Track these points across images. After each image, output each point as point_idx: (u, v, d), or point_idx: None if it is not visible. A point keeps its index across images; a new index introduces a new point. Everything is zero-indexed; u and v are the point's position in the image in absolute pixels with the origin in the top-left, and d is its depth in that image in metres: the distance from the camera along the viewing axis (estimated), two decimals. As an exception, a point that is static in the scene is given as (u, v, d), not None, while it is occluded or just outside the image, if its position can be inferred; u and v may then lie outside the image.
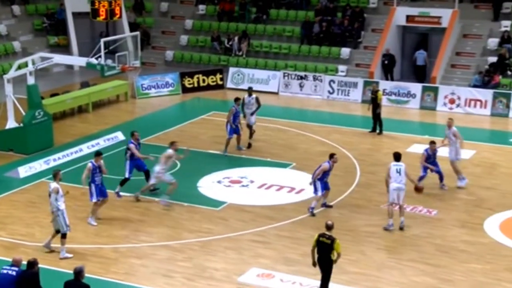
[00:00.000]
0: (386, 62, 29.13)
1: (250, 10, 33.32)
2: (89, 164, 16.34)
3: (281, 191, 18.55)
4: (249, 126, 21.69)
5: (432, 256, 15.08)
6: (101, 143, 21.97)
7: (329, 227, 13.15)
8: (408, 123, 24.69)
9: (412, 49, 30.62)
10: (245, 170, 19.98)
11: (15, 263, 12.31)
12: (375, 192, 18.56)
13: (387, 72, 29.31)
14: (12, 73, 21.81)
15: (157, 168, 17.48)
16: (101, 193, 16.41)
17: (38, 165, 19.97)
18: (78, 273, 11.77)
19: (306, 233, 16.12)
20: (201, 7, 34.31)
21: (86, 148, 21.45)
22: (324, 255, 13.03)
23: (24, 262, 12.29)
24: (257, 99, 21.77)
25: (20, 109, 21.77)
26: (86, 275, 11.90)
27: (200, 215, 17.11)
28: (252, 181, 19.26)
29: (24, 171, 19.53)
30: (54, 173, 15.23)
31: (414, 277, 14.16)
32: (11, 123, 21.85)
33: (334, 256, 13.00)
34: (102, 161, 16.51)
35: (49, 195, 14.91)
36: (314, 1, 33.04)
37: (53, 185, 14.94)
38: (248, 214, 17.17)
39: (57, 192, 14.77)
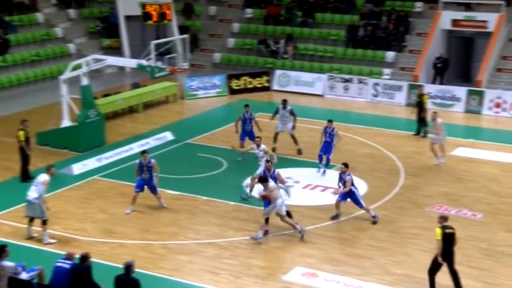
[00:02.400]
0: (439, 65, 29.10)
1: (296, 14, 33.58)
2: (137, 161, 17.38)
3: (326, 191, 18.77)
4: (291, 135, 21.59)
5: (476, 260, 15.08)
6: (151, 142, 22.44)
7: (447, 218, 13.57)
8: (452, 126, 24.60)
9: (457, 54, 30.51)
10: (291, 171, 20.20)
11: (69, 257, 12.81)
12: (419, 195, 18.66)
13: (438, 74, 29.28)
14: (67, 74, 22.39)
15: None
16: (143, 188, 17.23)
17: (91, 163, 20.47)
18: (128, 267, 12.12)
19: (351, 234, 16.33)
20: (248, 10, 34.72)
21: (136, 147, 21.85)
22: (450, 247, 13.36)
23: (77, 256, 12.80)
24: (291, 112, 21.51)
25: (75, 108, 22.41)
26: (136, 269, 12.28)
27: (246, 214, 17.37)
28: (297, 182, 19.51)
29: (77, 168, 20.06)
30: (48, 167, 16.11)
31: (458, 280, 14.28)
32: (66, 122, 22.49)
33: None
34: (153, 160, 17.23)
35: (35, 184, 15.64)
36: (359, 5, 33.15)
37: (45, 177, 15.71)
38: (293, 214, 17.37)
39: (47, 185, 15.65)
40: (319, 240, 16.10)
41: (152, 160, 17.31)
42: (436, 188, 19.26)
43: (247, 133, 21.18)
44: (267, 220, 16.00)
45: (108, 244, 15.70)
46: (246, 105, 21.53)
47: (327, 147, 19.98)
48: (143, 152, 17.55)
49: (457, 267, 14.61)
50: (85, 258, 12.61)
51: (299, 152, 21.53)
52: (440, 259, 13.41)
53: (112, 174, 19.92)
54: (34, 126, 21.97)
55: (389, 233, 16.40)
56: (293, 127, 21.57)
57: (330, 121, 20.20)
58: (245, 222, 16.97)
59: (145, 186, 17.38)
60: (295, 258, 15.17)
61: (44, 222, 15.67)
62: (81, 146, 21.68)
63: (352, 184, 16.73)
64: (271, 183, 15.94)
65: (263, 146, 18.78)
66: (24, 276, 12.81)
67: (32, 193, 15.60)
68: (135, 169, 17.47)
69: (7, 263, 12.68)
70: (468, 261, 15.00)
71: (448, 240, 13.34)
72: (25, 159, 19.25)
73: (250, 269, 14.72)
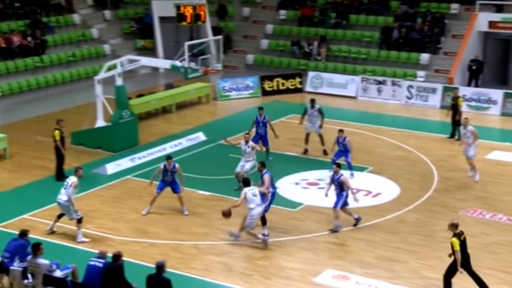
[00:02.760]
0: (474, 67, 28.77)
1: (330, 15, 33.48)
2: (161, 166, 17.37)
3: (357, 194, 18.66)
4: (318, 135, 21.61)
5: (511, 265, 14.89)
6: (183, 143, 22.57)
7: (458, 225, 13.39)
8: (488, 129, 24.31)
9: (493, 56, 30.09)
10: (322, 173, 20.17)
11: (101, 256, 12.99)
12: (452, 198, 18.47)
13: (473, 77, 28.93)
14: (102, 75, 22.64)
15: None
16: (163, 189, 17.34)
17: (124, 163, 20.63)
18: (160, 267, 12.24)
19: (381, 237, 16.23)
20: (282, 12, 34.71)
21: (169, 148, 22.05)
22: (466, 252, 13.31)
23: (109, 255, 12.98)
24: (319, 110, 21.51)
25: (109, 108, 22.61)
26: (167, 269, 12.38)
27: (277, 216, 17.36)
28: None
29: (111, 168, 20.25)
30: (76, 169, 16.37)
31: (492, 285, 13.91)
32: (100, 122, 22.73)
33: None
34: (177, 165, 17.29)
35: (64, 186, 15.94)
36: (394, 7, 32.92)
37: (73, 179, 15.96)
38: (324, 216, 17.33)
39: (76, 187, 15.90)
40: (350, 242, 16.05)
41: (177, 165, 17.37)
42: (470, 192, 19.04)
43: (260, 137, 20.95)
44: (264, 221, 15.81)
45: (140, 243, 15.84)
46: (260, 108, 21.39)
47: (342, 153, 19.69)
48: (168, 157, 17.57)
49: (492, 272, 14.60)
50: (117, 257, 12.77)
51: (325, 152, 21.49)
52: (460, 269, 13.23)
53: (145, 174, 20.05)
54: (70, 125, 22.27)
55: (422, 236, 16.26)
56: (320, 126, 21.52)
57: (341, 130, 19.88)
58: (276, 223, 16.96)
59: (167, 187, 17.48)
60: (326, 260, 15.13)
61: (79, 221, 15.92)
62: (115, 146, 21.86)
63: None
64: (243, 194, 15.45)
65: (251, 143, 18.90)
66: (58, 274, 13.02)
67: (62, 195, 15.89)
68: (155, 172, 17.53)
69: (42, 261, 12.90)
70: (502, 266, 14.84)
71: (464, 246, 13.26)
72: (60, 159, 19.52)
73: (281, 270, 14.74)
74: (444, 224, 16.76)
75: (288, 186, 19.37)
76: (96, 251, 13.55)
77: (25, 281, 12.99)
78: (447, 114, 23.81)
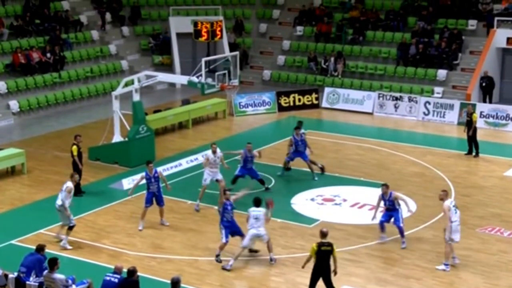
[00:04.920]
0: (484, 84, 28.64)
1: (347, 31, 33.53)
2: (143, 174, 17.61)
3: (374, 210, 18.53)
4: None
5: (528, 283, 14.75)
6: (200, 158, 22.51)
7: (326, 234, 13.75)
8: (506, 146, 24.13)
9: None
10: (338, 189, 20.13)
11: (117, 271, 12.99)
12: (470, 215, 18.30)
13: (486, 94, 28.80)
14: (119, 90, 22.78)
15: None
16: (152, 201, 17.44)
17: (140, 178, 20.71)
18: (176, 283, 12.24)
19: (398, 254, 16.12)
20: (299, 28, 34.80)
21: (185, 163, 22.15)
22: (325, 263, 13.57)
23: (125, 270, 12.96)
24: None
25: (126, 124, 22.71)
26: (182, 285, 12.41)
27: (293, 232, 17.36)
28: (344, 200, 19.42)
29: (127, 183, 20.26)
30: (71, 174, 16.89)
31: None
32: (117, 137, 22.85)
33: (332, 261, 13.64)
34: (159, 170, 17.60)
35: (60, 192, 16.31)
36: (411, 23, 32.91)
37: (67, 184, 16.35)
38: (340, 232, 17.27)
39: (70, 192, 16.19)
40: (366, 259, 15.95)
41: (158, 170, 17.52)
42: (488, 209, 18.87)
43: (299, 154, 20.91)
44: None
45: (156, 259, 15.85)
46: (297, 128, 20.95)
47: (391, 214, 16.55)
48: (148, 162, 17.61)
49: (509, 290, 14.40)
50: (132, 272, 12.78)
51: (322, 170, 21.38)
52: (302, 267, 13.76)
53: (161, 189, 20.12)
54: (88, 141, 22.41)
55: (438, 253, 16.10)
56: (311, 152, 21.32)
57: (385, 185, 16.56)
58: (292, 239, 16.95)
59: (154, 199, 17.57)
60: (342, 277, 15.00)
61: (70, 228, 16.29)
62: (131, 162, 21.92)
63: None
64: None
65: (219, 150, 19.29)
66: (73, 288, 13.05)
67: (58, 200, 16.35)
68: (136, 182, 17.81)
69: (58, 276, 12.95)
70: (520, 285, 14.65)
71: (322, 257, 13.51)
72: (77, 174, 19.59)
73: (296, 287, 14.68)
74: (461, 241, 16.61)
75: (304, 202, 19.32)
76: (112, 266, 13.57)
77: (41, 295, 13.05)
78: (464, 130, 23.68)
